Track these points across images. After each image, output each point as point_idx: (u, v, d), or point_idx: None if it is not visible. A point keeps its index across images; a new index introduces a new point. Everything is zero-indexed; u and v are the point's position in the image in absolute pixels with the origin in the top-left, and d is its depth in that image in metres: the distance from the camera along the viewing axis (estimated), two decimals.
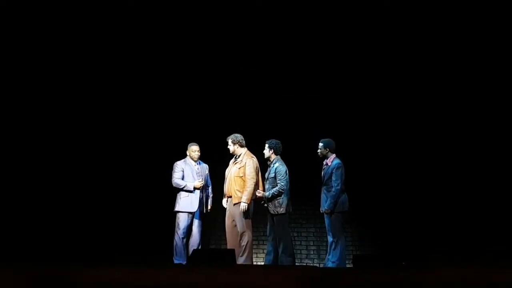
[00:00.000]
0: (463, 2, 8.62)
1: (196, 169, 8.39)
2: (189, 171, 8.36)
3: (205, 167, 8.47)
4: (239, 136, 8.03)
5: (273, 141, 7.94)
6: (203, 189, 8.30)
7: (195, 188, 8.22)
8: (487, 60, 8.62)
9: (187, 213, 8.24)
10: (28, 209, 9.19)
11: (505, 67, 8.60)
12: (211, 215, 8.66)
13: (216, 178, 8.44)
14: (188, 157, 8.44)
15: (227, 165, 8.16)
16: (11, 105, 9.26)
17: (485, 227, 8.26)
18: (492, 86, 8.62)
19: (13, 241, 8.81)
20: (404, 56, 8.84)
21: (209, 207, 8.36)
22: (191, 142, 8.45)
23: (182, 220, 8.27)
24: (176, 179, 8.29)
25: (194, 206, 8.23)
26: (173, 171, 8.35)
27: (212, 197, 8.42)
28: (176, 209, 8.26)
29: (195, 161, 8.40)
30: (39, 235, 9.08)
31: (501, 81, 8.62)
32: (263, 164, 8.06)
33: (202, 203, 8.29)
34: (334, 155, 7.72)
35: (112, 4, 9.36)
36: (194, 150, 8.40)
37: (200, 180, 8.25)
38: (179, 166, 8.36)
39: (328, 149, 7.72)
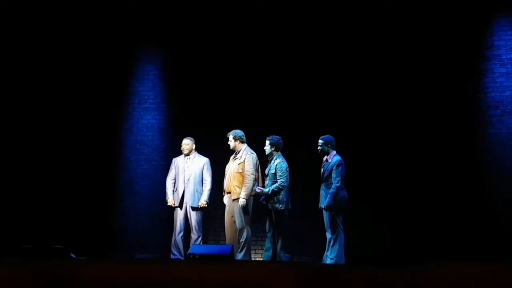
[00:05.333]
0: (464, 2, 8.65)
1: (186, 164, 8.38)
2: (179, 166, 8.41)
3: (197, 161, 8.42)
4: (240, 132, 8.02)
5: (274, 137, 7.92)
6: (187, 183, 8.30)
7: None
8: (488, 59, 8.61)
9: (178, 208, 8.33)
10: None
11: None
12: (211, 211, 8.66)
13: (216, 174, 8.43)
14: None
15: (227, 161, 8.16)
16: None
17: (485, 226, 8.25)
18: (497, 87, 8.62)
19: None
20: (405, 54, 8.83)
21: (200, 202, 8.31)
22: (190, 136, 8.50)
23: (174, 215, 8.36)
24: (167, 180, 8.48)
25: (177, 200, 8.33)
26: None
27: (210, 190, 8.36)
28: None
29: (186, 155, 8.40)
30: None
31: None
32: (264, 160, 8.05)
33: (183, 197, 8.32)
34: (334, 152, 7.70)
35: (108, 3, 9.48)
36: (182, 143, 8.44)
37: (171, 200, 8.37)
38: (172, 164, 8.51)
39: (328, 146, 7.70)
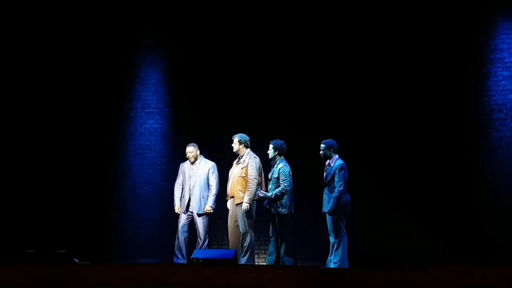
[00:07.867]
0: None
1: (192, 171, 8.37)
2: (186, 172, 8.39)
3: (202, 167, 8.39)
4: (245, 137, 8.01)
5: (278, 141, 7.92)
6: (192, 190, 8.28)
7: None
8: (491, 62, 8.62)
9: (182, 213, 8.32)
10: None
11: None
12: (214, 216, 8.66)
13: (220, 179, 8.43)
14: None
15: (230, 165, 8.15)
16: None
17: (487, 227, 8.24)
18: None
19: None
20: (406, 57, 8.82)
21: (206, 207, 8.28)
22: (193, 142, 8.49)
23: (179, 220, 8.34)
24: (175, 186, 8.46)
25: (183, 207, 8.31)
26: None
27: (216, 195, 8.33)
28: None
29: (191, 162, 8.39)
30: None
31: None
32: (267, 165, 8.05)
33: (188, 203, 8.30)
34: (337, 156, 7.70)
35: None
36: (186, 151, 8.41)
37: (178, 206, 8.37)
38: (180, 169, 8.49)
39: (331, 150, 7.70)
